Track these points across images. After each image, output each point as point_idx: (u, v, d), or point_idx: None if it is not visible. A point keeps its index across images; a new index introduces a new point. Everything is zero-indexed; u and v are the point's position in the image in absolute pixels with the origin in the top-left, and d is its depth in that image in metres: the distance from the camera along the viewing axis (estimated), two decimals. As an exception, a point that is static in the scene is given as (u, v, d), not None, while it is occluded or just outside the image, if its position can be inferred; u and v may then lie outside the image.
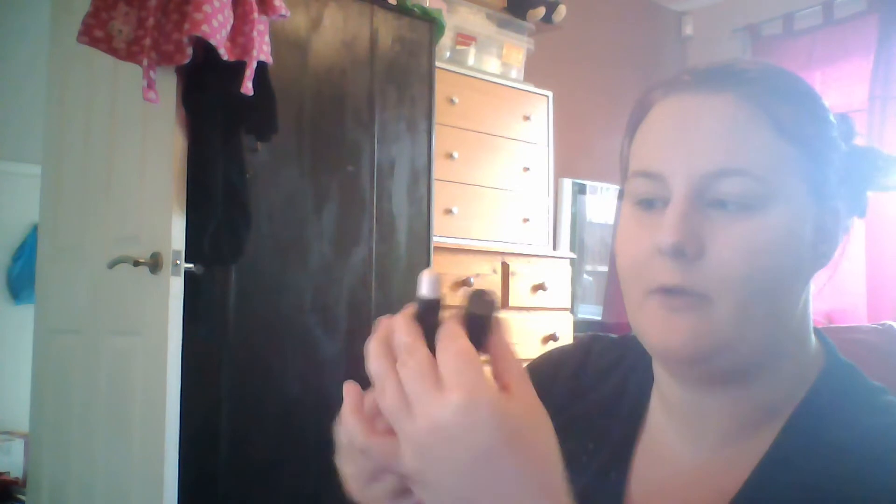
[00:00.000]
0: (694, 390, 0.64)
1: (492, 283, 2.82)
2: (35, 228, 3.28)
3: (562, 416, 0.72)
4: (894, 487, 0.53)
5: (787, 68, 0.64)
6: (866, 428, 0.58)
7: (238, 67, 1.91)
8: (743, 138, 0.59)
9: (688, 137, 0.60)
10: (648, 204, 0.62)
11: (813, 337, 0.65)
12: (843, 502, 0.54)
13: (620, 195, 0.67)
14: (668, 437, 0.67)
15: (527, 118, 3.20)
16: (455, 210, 2.89)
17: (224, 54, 1.87)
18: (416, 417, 0.46)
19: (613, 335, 0.80)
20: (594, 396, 0.74)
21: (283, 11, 2.01)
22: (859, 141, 0.66)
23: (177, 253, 1.94)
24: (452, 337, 0.47)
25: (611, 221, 3.72)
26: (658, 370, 0.68)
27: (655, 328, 0.60)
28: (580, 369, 0.77)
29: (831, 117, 0.63)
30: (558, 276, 3.06)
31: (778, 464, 0.60)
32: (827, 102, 0.64)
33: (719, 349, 0.59)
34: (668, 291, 0.59)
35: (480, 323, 0.49)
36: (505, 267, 2.89)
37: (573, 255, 3.28)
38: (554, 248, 3.33)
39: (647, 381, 0.71)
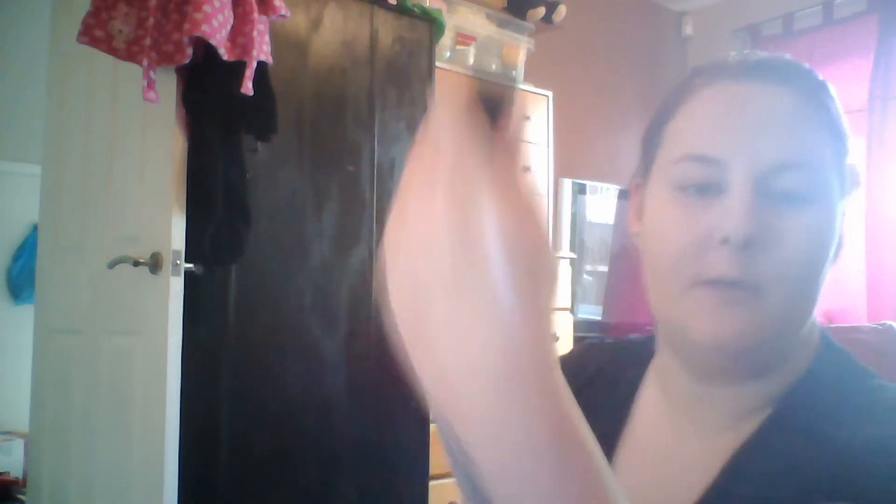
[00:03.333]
0: (707, 383, 0.64)
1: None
2: (35, 228, 3.28)
3: None
4: (874, 469, 0.52)
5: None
6: (848, 411, 0.58)
7: (238, 67, 1.91)
8: (806, 132, 0.59)
9: (750, 125, 0.59)
10: (700, 190, 0.60)
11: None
12: (821, 485, 0.53)
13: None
14: (661, 424, 0.67)
15: (527, 118, 3.20)
16: (455, 210, 2.89)
17: (224, 54, 1.87)
18: None
19: (610, 339, 0.80)
20: (586, 396, 0.74)
21: (283, 11, 2.01)
22: None
23: (177, 253, 1.94)
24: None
25: (611, 221, 3.72)
26: (667, 362, 0.67)
27: (705, 320, 0.58)
28: (579, 372, 0.77)
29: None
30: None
31: (757, 448, 0.60)
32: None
33: (769, 340, 0.59)
34: (722, 284, 0.58)
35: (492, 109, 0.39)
36: (505, 267, 2.88)
37: (573, 255, 3.28)
38: (554, 249, 3.33)
39: (636, 379, 0.72)
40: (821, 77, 0.63)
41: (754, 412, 0.62)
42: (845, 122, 0.63)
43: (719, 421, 0.63)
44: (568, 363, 0.79)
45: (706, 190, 0.59)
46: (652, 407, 0.69)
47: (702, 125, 0.61)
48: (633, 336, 0.77)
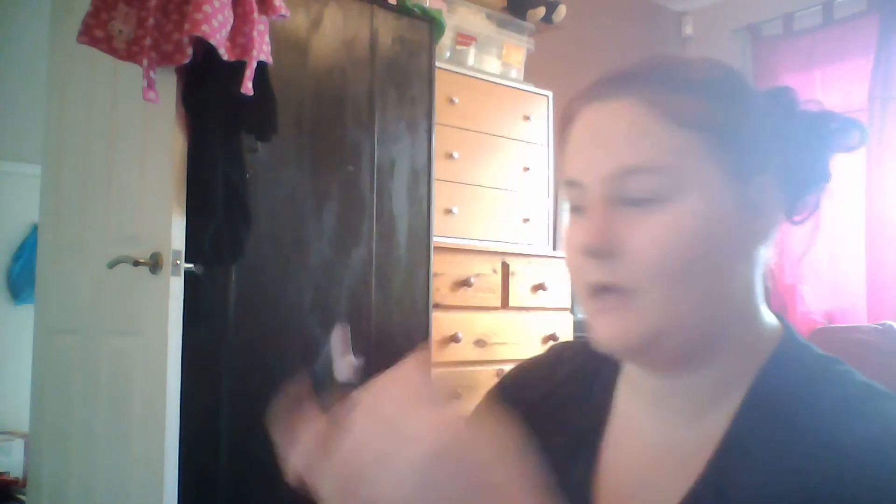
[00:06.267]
0: (655, 374, 0.67)
1: (492, 283, 2.82)
2: (35, 228, 3.28)
3: (532, 417, 0.74)
4: (851, 466, 0.54)
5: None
6: (821, 401, 0.60)
7: (238, 67, 1.91)
8: (639, 137, 0.62)
9: (597, 144, 0.64)
10: (575, 210, 0.67)
11: (767, 316, 0.67)
12: (801, 478, 0.56)
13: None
14: (637, 421, 0.70)
15: (527, 118, 3.20)
16: (455, 210, 2.89)
17: (224, 54, 1.87)
18: None
19: (584, 339, 0.83)
20: (561, 396, 0.77)
21: (283, 11, 2.01)
22: (813, 106, 0.67)
23: (177, 253, 1.94)
24: None
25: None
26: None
27: (595, 327, 0.65)
28: (550, 373, 0.80)
29: (753, 97, 0.64)
30: (558, 276, 3.06)
31: (738, 442, 0.62)
32: (791, 86, 0.65)
33: (651, 339, 0.62)
34: (597, 289, 0.63)
35: None
36: (505, 267, 2.89)
37: (573, 255, 3.27)
38: (554, 248, 3.33)
39: (611, 374, 0.75)
40: (680, 75, 0.64)
41: (714, 403, 0.64)
42: (716, 112, 0.62)
43: (682, 412, 0.66)
44: (540, 365, 0.83)
45: (579, 210, 0.66)
46: (627, 403, 0.72)
47: (570, 151, 0.69)
48: None
